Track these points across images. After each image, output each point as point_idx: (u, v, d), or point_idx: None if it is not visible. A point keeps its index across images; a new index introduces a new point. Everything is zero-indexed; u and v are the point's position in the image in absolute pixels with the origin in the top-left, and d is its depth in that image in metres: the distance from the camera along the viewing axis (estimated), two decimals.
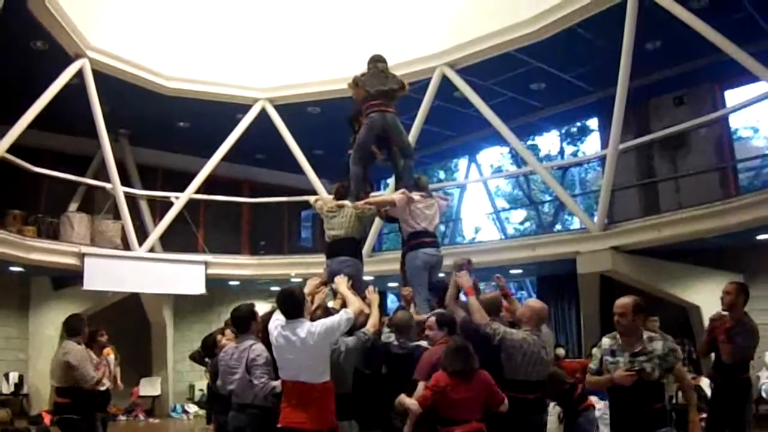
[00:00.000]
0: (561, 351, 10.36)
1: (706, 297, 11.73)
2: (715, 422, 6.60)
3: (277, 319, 5.07)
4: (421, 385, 5.25)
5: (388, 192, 10.18)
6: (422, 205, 7.16)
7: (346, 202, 7.12)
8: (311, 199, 7.90)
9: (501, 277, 6.59)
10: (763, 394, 11.00)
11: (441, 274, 7.25)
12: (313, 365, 4.83)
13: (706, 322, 11.49)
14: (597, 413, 9.56)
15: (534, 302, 6.07)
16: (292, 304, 5.00)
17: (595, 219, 11.88)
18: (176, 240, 15.16)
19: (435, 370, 5.23)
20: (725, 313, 6.53)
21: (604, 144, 13.44)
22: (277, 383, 5.20)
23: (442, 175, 24.43)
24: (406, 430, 5.13)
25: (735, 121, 14.38)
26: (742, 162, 13.96)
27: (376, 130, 7.53)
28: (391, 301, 18.76)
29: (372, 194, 8.05)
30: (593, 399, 9.61)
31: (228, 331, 6.76)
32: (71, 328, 6.82)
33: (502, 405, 5.14)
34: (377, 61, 8.00)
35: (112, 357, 7.50)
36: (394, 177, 8.31)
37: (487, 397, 5.07)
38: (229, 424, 5.66)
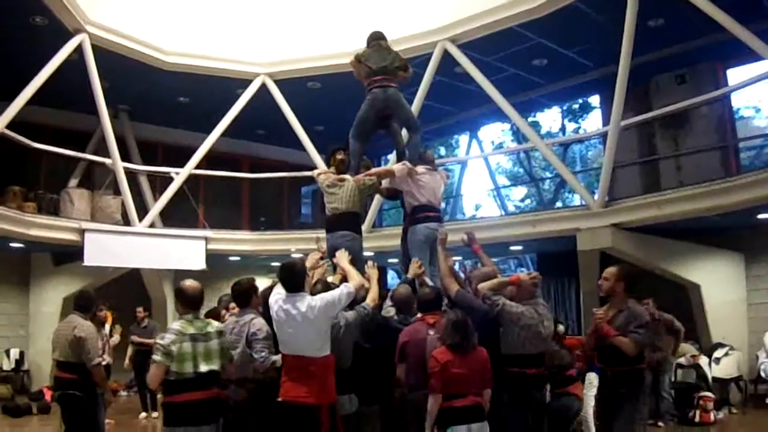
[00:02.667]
0: (561, 328, 10.37)
1: (706, 276, 11.79)
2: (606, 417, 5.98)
3: (278, 293, 5.09)
4: (399, 368, 5.31)
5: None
6: (426, 178, 7.12)
7: (347, 176, 7.10)
8: (314, 171, 7.85)
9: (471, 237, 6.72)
10: (762, 374, 11.07)
11: None
12: (313, 339, 4.85)
13: (707, 301, 11.63)
14: (596, 390, 9.63)
15: (479, 270, 6.31)
16: (294, 278, 5.02)
17: (596, 196, 11.87)
18: (176, 215, 15.14)
19: (402, 350, 5.33)
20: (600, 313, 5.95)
21: (606, 121, 13.41)
22: (277, 357, 5.22)
23: (442, 151, 24.38)
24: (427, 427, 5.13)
25: (737, 101, 14.34)
26: (744, 141, 13.92)
27: (377, 105, 7.45)
28: (391, 278, 18.82)
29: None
30: (592, 375, 9.67)
31: (232, 305, 6.76)
32: (82, 305, 6.76)
33: (487, 388, 5.16)
34: (378, 39, 7.92)
35: (108, 327, 7.43)
36: (395, 154, 8.24)
37: (481, 373, 5.09)
38: (230, 399, 5.69)
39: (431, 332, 5.37)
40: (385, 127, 7.84)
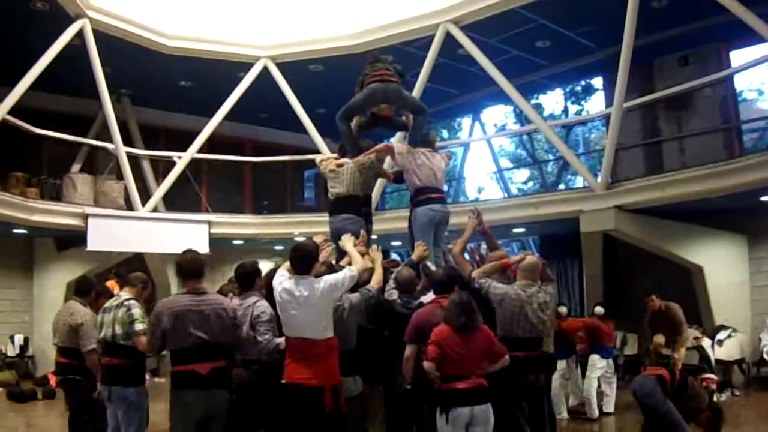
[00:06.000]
0: (563, 309, 10.43)
1: (709, 258, 11.79)
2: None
3: (281, 275, 5.11)
4: (408, 348, 5.31)
5: None
6: (425, 158, 7.09)
7: (345, 160, 7.08)
8: (316, 158, 7.79)
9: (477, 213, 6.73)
10: (765, 356, 11.09)
11: (446, 233, 7.24)
12: (316, 321, 4.86)
13: (709, 283, 11.62)
14: (599, 372, 9.69)
15: (495, 254, 6.36)
16: (305, 260, 5.05)
17: (599, 178, 11.84)
18: (179, 200, 15.14)
19: (418, 330, 5.28)
20: None
21: (609, 103, 13.36)
22: (281, 340, 5.22)
23: (445, 133, 24.33)
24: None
25: (740, 83, 14.29)
26: (747, 123, 13.88)
27: (376, 99, 7.26)
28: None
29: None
30: (595, 357, 9.73)
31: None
32: (81, 290, 6.85)
33: (501, 360, 5.15)
34: (376, 61, 7.72)
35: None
36: (397, 135, 8.17)
37: (487, 351, 5.08)
38: (233, 381, 5.71)
39: None
40: (383, 125, 7.81)
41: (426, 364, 5.01)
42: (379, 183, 12.85)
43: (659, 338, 10.35)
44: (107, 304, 5.98)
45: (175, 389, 4.99)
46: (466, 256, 6.95)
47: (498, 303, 5.56)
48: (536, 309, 5.64)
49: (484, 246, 7.66)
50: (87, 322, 6.39)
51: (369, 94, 7.23)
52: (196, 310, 5.06)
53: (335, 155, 7.63)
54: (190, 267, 5.41)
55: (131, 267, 13.96)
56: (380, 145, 7.44)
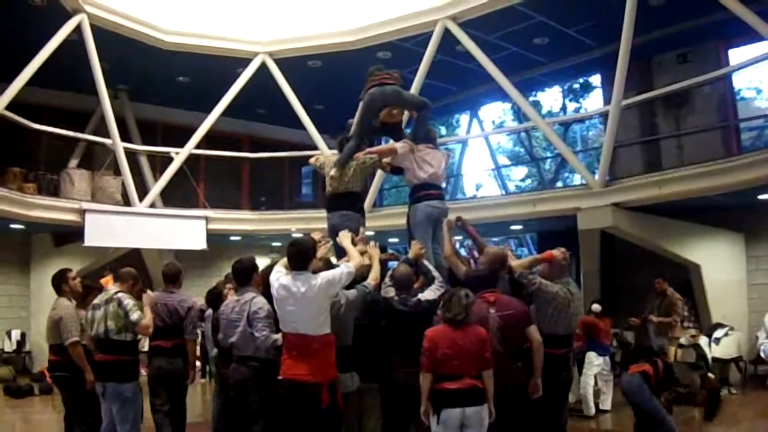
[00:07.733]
0: None
1: (707, 255, 11.80)
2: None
3: (278, 271, 5.11)
4: None
5: None
6: (428, 156, 7.08)
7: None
8: (311, 159, 7.78)
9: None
10: (762, 355, 11.08)
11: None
12: (313, 317, 4.87)
13: (707, 281, 11.63)
14: (596, 369, 9.70)
15: (490, 248, 6.34)
16: (302, 256, 5.08)
17: (597, 176, 11.83)
18: (177, 195, 15.11)
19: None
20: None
21: (607, 100, 13.36)
22: (278, 336, 5.24)
23: (443, 130, 24.27)
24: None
25: (738, 82, 14.27)
26: (745, 122, 13.88)
27: (376, 105, 7.28)
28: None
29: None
30: (592, 355, 9.74)
31: (229, 285, 6.84)
32: (54, 285, 6.87)
33: (486, 369, 4.98)
34: (373, 72, 7.72)
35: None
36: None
37: (478, 353, 4.96)
38: (231, 377, 5.72)
39: (492, 310, 5.33)
40: (387, 132, 7.81)
41: (422, 378, 4.98)
42: (377, 180, 12.87)
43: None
44: (96, 300, 6.15)
45: (150, 357, 6.75)
46: (463, 252, 6.96)
47: (549, 301, 5.59)
48: (577, 306, 5.76)
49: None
50: (66, 315, 6.43)
51: (368, 102, 7.23)
52: (163, 303, 6.58)
53: (332, 152, 7.60)
54: (167, 273, 6.90)
55: (128, 262, 14.06)
56: (384, 146, 7.44)
